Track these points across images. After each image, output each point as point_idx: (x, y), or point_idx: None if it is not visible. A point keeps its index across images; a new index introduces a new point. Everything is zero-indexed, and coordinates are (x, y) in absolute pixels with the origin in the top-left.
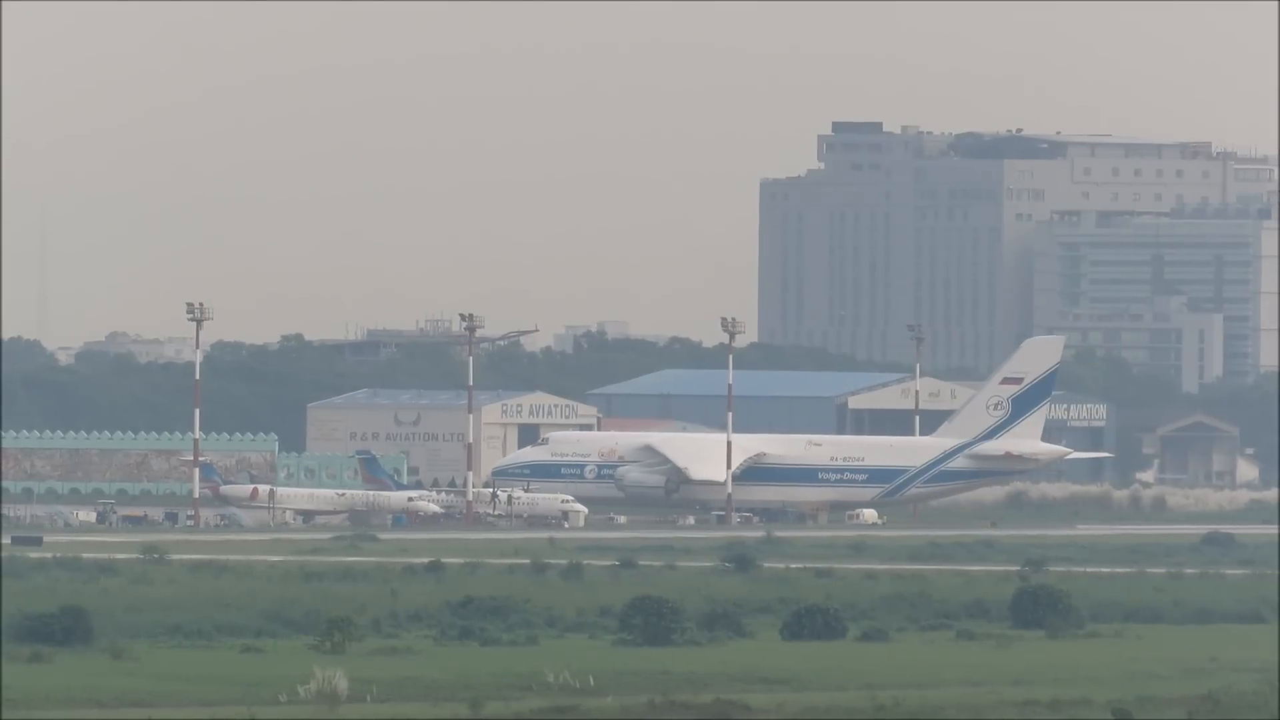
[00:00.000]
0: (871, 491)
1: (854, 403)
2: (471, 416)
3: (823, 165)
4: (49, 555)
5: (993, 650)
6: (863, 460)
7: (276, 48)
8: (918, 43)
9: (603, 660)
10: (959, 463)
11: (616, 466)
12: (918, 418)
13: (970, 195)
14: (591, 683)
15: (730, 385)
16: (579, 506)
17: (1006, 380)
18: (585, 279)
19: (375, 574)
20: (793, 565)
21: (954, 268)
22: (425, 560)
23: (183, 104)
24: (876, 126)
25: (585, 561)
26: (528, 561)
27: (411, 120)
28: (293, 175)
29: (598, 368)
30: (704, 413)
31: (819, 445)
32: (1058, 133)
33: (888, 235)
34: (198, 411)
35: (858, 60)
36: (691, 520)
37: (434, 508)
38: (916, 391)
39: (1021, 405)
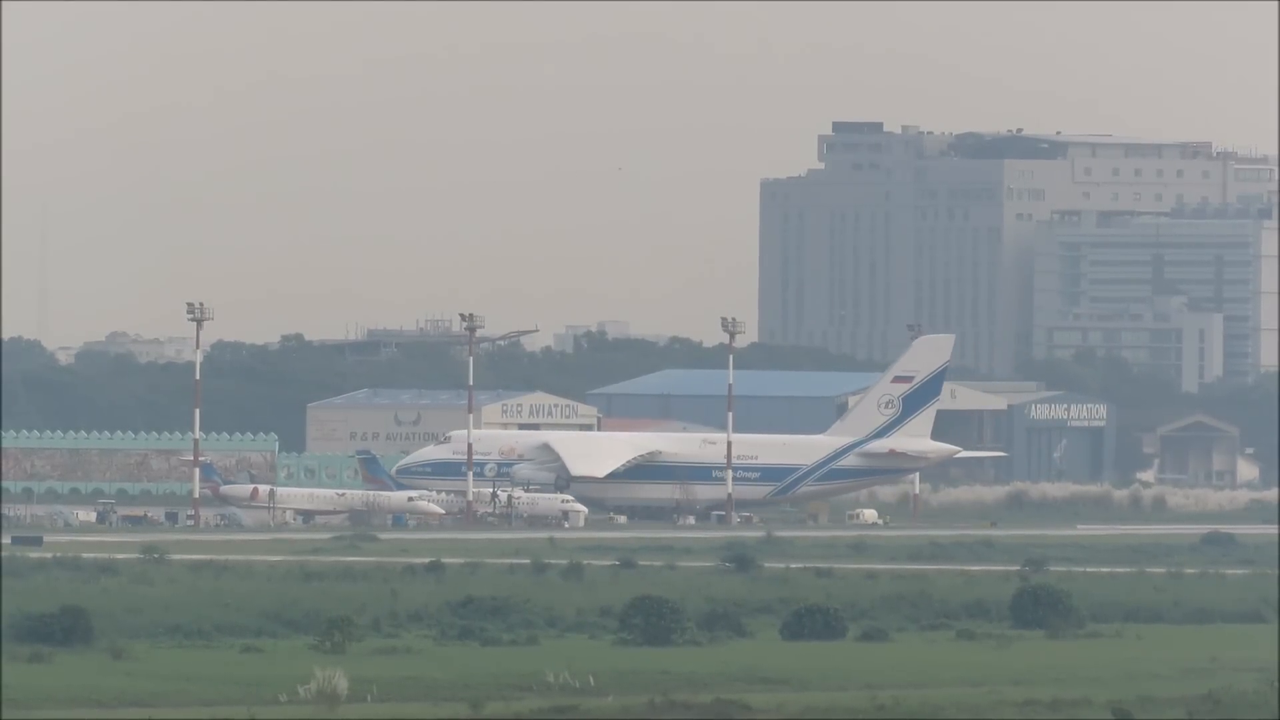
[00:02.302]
0: (763, 489)
1: (854, 402)
2: (471, 416)
3: (823, 165)
4: (49, 555)
5: (993, 650)
6: (756, 458)
7: (277, 48)
8: (918, 42)
9: (603, 660)
10: (849, 461)
11: (514, 465)
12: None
13: (970, 195)
14: (592, 682)
15: (730, 385)
16: (579, 506)
17: (897, 379)
18: (585, 279)
19: (375, 574)
20: (793, 565)
21: (954, 268)
22: (425, 560)
23: (183, 103)
24: (877, 126)
25: (585, 561)
26: (528, 561)
27: (409, 118)
28: (292, 175)
29: (598, 368)
30: (704, 413)
31: (714, 443)
32: (1058, 133)
33: (888, 235)
34: (198, 411)
35: (858, 60)
36: (692, 520)
37: (435, 508)
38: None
39: (912, 403)
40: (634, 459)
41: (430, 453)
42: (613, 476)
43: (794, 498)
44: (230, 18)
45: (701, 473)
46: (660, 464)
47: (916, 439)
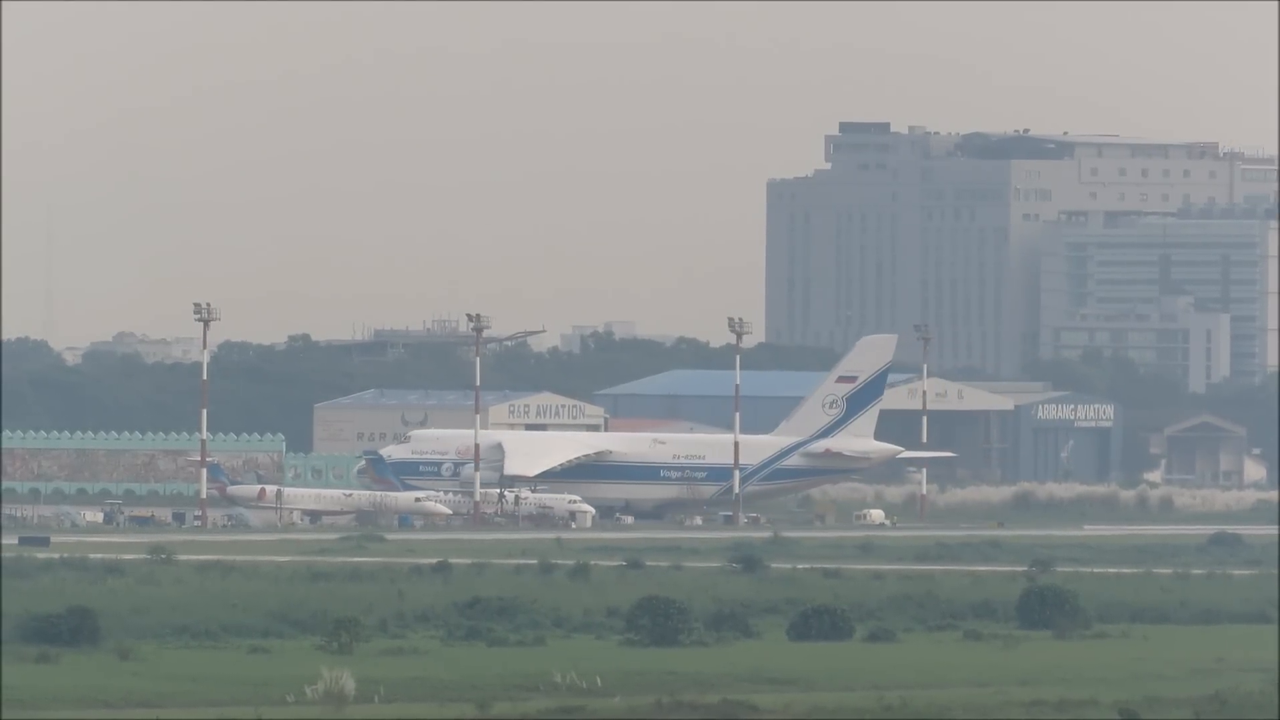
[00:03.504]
0: (710, 489)
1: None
2: (478, 417)
3: (829, 165)
4: (56, 556)
5: (1000, 651)
6: (703, 458)
7: (280, 45)
8: (925, 42)
9: (610, 661)
10: (793, 461)
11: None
12: (925, 418)
13: (977, 195)
14: (599, 683)
15: (737, 385)
16: (586, 507)
17: (841, 379)
18: (592, 279)
19: (382, 574)
20: (800, 566)
21: (961, 268)
22: (432, 561)
23: (187, 101)
24: (884, 127)
25: (592, 562)
26: (535, 562)
27: (416, 116)
28: (298, 173)
29: (605, 368)
30: (711, 413)
31: (663, 443)
32: (1065, 133)
33: (894, 235)
34: (205, 412)
35: (865, 60)
36: (699, 521)
37: (441, 508)
38: (924, 392)
39: (855, 403)
40: (577, 459)
41: (391, 452)
42: (548, 475)
43: (740, 497)
44: (233, 15)
45: (650, 472)
46: (609, 463)
47: (859, 439)
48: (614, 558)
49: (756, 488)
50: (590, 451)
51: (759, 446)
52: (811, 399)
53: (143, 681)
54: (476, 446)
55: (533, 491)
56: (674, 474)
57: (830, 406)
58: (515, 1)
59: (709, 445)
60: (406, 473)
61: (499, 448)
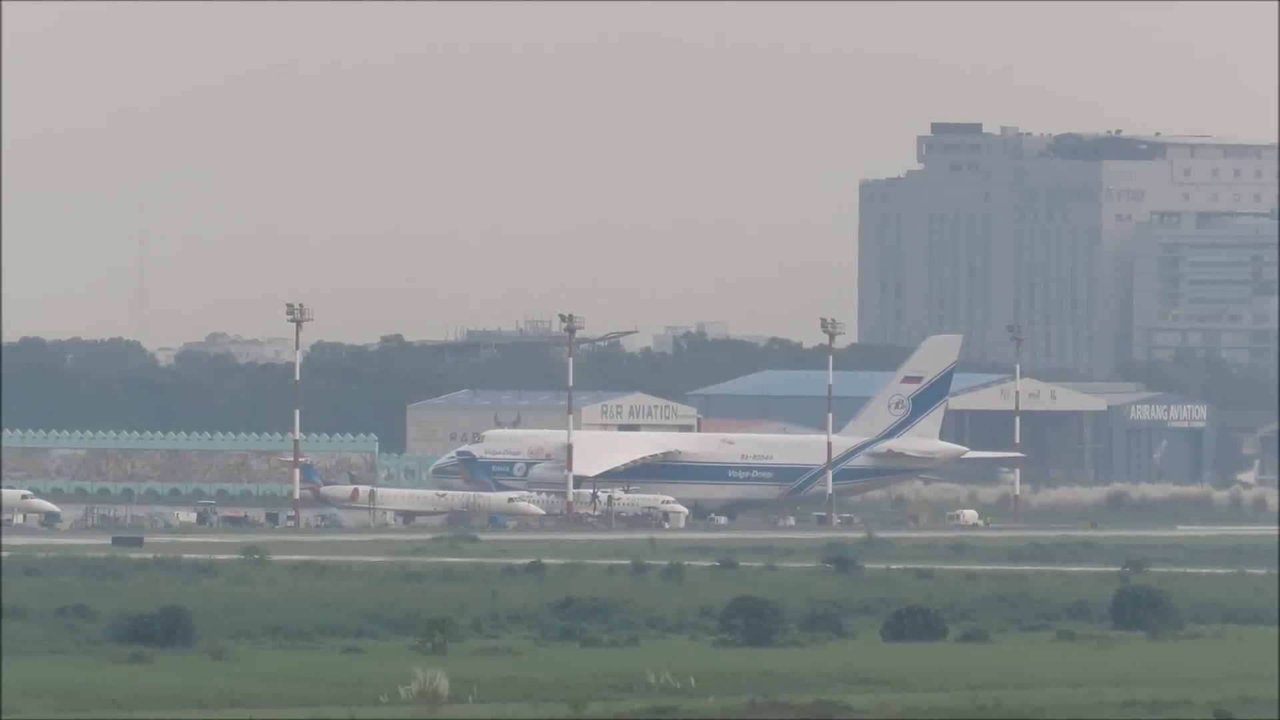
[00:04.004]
0: (776, 489)
1: (954, 404)
2: (571, 417)
3: (922, 166)
4: (149, 556)
5: (1093, 651)
6: (771, 458)
7: (367, 36)
8: (1017, 43)
9: (703, 661)
10: (859, 461)
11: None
12: (1018, 419)
13: (1069, 196)
14: (692, 683)
15: (830, 386)
16: (679, 507)
17: (907, 379)
18: (685, 279)
19: (475, 575)
20: (893, 566)
21: (1053, 269)
22: (526, 561)
23: (273, 103)
24: (976, 127)
25: (686, 562)
26: (628, 562)
27: (512, 110)
28: (392, 170)
29: (697, 368)
30: (804, 413)
31: (732, 443)
32: (1157, 133)
33: (987, 236)
34: (297, 412)
35: (958, 61)
36: (792, 521)
37: (535, 508)
38: (1017, 392)
39: (921, 404)
40: (642, 459)
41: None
42: (611, 475)
43: (806, 497)
44: (318, 12)
45: (718, 472)
46: (677, 464)
47: (923, 439)
48: (707, 558)
49: (823, 488)
50: (658, 452)
51: (824, 447)
52: (877, 399)
53: (236, 682)
54: (570, 447)
55: (625, 492)
56: (741, 474)
57: (896, 407)
58: (639, 2)
59: (776, 445)
60: (479, 473)
61: (569, 448)
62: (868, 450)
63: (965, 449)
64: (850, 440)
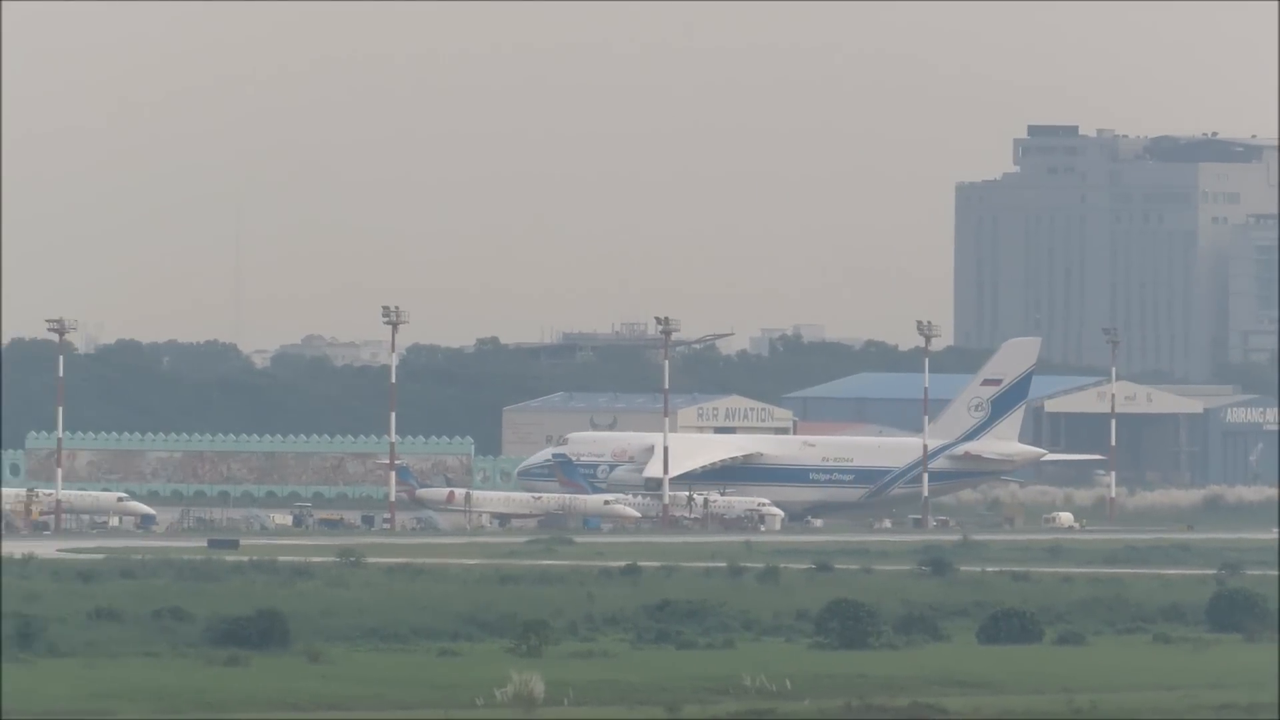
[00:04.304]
0: (857, 492)
1: (1050, 406)
2: (667, 420)
3: (1018, 168)
4: (245, 558)
5: (1189, 654)
6: (851, 461)
7: (471, 29)
8: (1115, 45)
9: (799, 664)
10: (939, 464)
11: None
12: (1114, 421)
13: (1165, 199)
14: (788, 686)
15: (926, 388)
16: (775, 510)
17: (986, 382)
18: (781, 282)
19: (571, 577)
20: (989, 569)
21: (1149, 271)
22: (621, 563)
23: (363, 96)
24: (1072, 130)
25: (781, 565)
26: (724, 565)
27: (609, 110)
28: (489, 168)
29: (793, 371)
30: (900, 416)
31: (813, 446)
32: (1253, 136)
33: (1083, 238)
34: (393, 415)
35: (1054, 63)
36: (888, 523)
37: (630, 511)
38: (1113, 395)
39: (1000, 406)
40: (720, 461)
41: (548, 454)
42: (689, 477)
43: (886, 500)
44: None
45: (799, 475)
46: (757, 466)
47: (1002, 441)
48: (803, 560)
49: (903, 490)
50: (738, 454)
51: (905, 449)
52: (957, 402)
53: (332, 684)
54: (666, 449)
55: (722, 494)
56: (822, 477)
57: (975, 409)
58: (735, 2)
59: (857, 448)
60: (563, 474)
61: (651, 450)
62: (947, 453)
63: (1044, 451)
64: (930, 443)
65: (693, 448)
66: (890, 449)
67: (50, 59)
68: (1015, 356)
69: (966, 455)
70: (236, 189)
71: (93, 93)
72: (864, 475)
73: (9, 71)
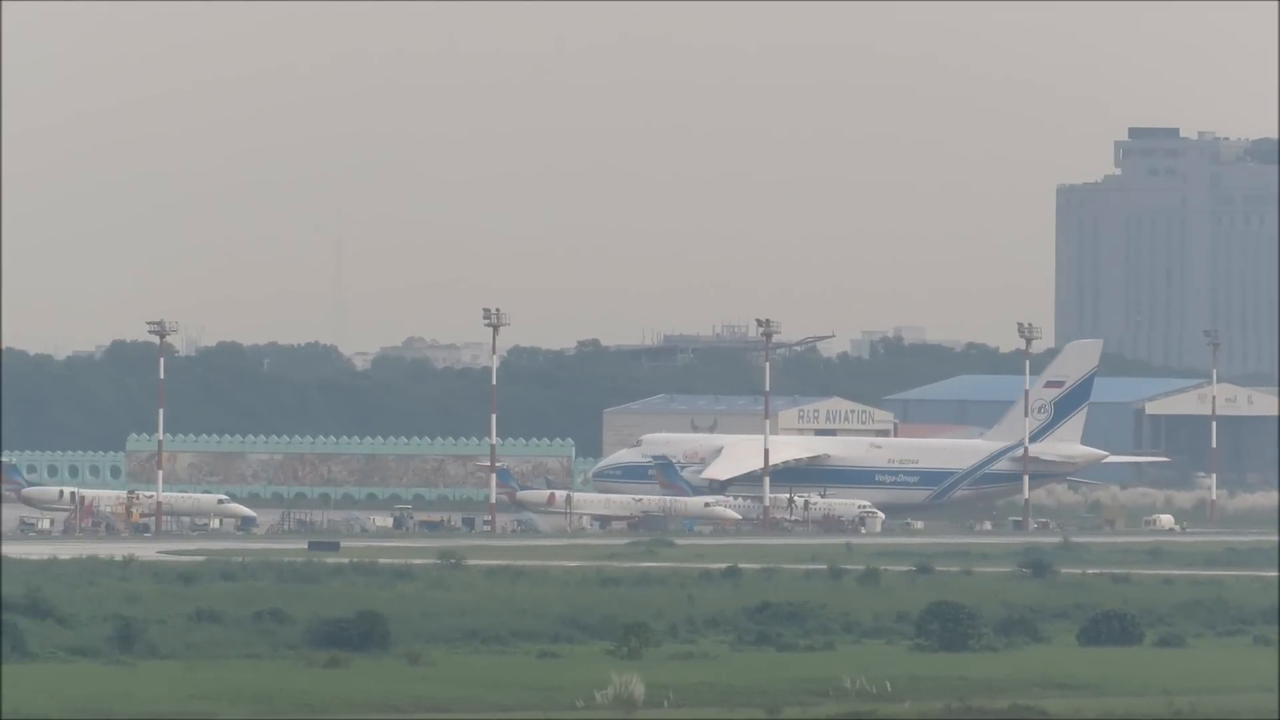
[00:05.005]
0: (922, 493)
1: (1151, 408)
2: (768, 422)
3: (1119, 171)
4: (345, 560)
5: None
6: (917, 463)
7: (552, 27)
8: (1218, 47)
9: (899, 666)
10: (1002, 465)
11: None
12: (1215, 423)
13: (1267, 201)
14: (888, 688)
15: (1026, 391)
16: (876, 512)
17: (1049, 384)
18: (882, 284)
19: (672, 579)
20: (1089, 571)
21: (1250, 273)
22: (722, 566)
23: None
24: (1173, 132)
25: (882, 567)
26: (824, 567)
27: (721, 109)
28: (586, 166)
29: (894, 373)
30: (1001, 418)
31: (880, 447)
32: None
33: (1184, 240)
34: (494, 417)
35: (1156, 65)
36: (988, 525)
37: (731, 513)
38: (1214, 397)
39: (1063, 408)
40: (784, 463)
41: (622, 456)
42: (750, 479)
43: (950, 502)
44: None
45: (865, 476)
46: (824, 467)
47: (1064, 443)
48: (903, 562)
49: (966, 492)
50: (805, 455)
51: (969, 451)
52: (1020, 404)
53: (432, 686)
54: (767, 452)
55: (822, 496)
56: (888, 478)
57: (1039, 411)
58: (836, 2)
59: (924, 450)
60: (636, 477)
61: (720, 451)
62: (1009, 455)
63: (1105, 453)
64: (993, 445)
65: (759, 449)
66: (956, 450)
67: (151, 59)
68: (1078, 358)
69: (1026, 457)
70: (336, 191)
71: (192, 97)
72: (929, 477)
73: (125, 71)
